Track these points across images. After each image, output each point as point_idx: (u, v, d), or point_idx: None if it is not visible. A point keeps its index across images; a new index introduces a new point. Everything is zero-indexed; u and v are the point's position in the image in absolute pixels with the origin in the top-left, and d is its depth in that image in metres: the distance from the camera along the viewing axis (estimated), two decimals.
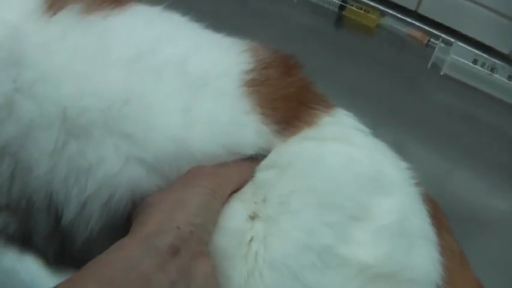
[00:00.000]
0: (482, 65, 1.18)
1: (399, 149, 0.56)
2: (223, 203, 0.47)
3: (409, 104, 1.16)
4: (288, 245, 0.46)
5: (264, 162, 0.51)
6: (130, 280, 0.38)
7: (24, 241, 0.54)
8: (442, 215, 0.56)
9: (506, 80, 1.18)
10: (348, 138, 0.53)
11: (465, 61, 1.19)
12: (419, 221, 0.51)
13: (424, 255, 0.49)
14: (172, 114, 0.49)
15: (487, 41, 1.23)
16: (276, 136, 0.51)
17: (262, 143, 0.51)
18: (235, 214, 0.47)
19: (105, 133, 0.48)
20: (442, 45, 1.22)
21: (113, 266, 0.39)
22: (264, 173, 0.50)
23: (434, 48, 1.22)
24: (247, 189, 0.50)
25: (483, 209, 1.00)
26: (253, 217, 0.47)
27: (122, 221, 0.48)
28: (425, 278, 0.48)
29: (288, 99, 0.53)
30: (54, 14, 0.51)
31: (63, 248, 0.52)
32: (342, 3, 1.30)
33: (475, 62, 1.19)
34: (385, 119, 1.07)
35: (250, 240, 0.46)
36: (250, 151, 0.51)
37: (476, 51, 1.20)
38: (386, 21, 1.29)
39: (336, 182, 0.49)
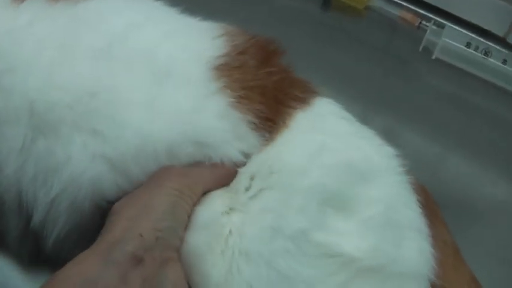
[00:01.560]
0: (476, 49, 1.17)
1: (390, 134, 0.55)
2: (194, 204, 0.46)
3: (399, 89, 1.15)
4: (259, 230, 0.44)
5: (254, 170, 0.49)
6: None
7: None
8: (434, 204, 0.55)
9: (500, 64, 1.16)
10: (323, 126, 0.51)
11: (458, 44, 1.18)
12: (408, 211, 0.49)
13: (413, 248, 0.47)
14: (137, 107, 0.47)
15: (481, 23, 1.22)
16: (248, 126, 0.49)
17: (227, 127, 0.48)
18: (210, 209, 0.46)
19: (73, 130, 0.46)
20: (434, 27, 1.20)
21: (71, 283, 0.38)
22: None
23: (426, 31, 1.20)
24: (221, 188, 0.48)
25: (476, 196, 1.01)
26: (229, 211, 0.46)
27: (89, 221, 0.47)
28: (415, 271, 0.47)
29: (264, 93, 0.51)
30: (22, 2, 0.50)
31: (37, 249, 0.51)
32: None
33: (468, 45, 1.17)
34: (375, 105, 1.07)
35: (228, 234, 0.45)
36: (215, 138, 0.49)
37: (470, 34, 1.18)
38: (376, 3, 1.27)
39: (305, 170, 0.47)
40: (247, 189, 0.46)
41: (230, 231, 0.45)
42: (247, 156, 0.49)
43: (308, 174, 0.47)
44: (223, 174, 0.48)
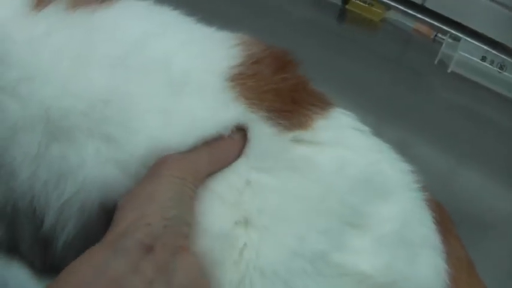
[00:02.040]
0: (491, 63, 1.16)
1: (404, 147, 0.55)
2: (198, 189, 0.45)
3: (414, 101, 1.15)
4: (279, 252, 0.44)
5: (255, 163, 0.48)
6: (101, 286, 0.36)
7: (11, 249, 0.52)
8: (449, 220, 0.54)
9: None
10: (344, 140, 0.51)
11: (473, 58, 1.17)
12: (423, 228, 0.49)
13: (427, 265, 0.47)
14: (151, 114, 0.47)
15: (497, 37, 1.21)
16: (263, 127, 0.48)
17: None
18: (222, 217, 0.45)
19: (87, 136, 0.47)
20: (450, 40, 1.20)
21: (81, 274, 0.37)
22: (261, 176, 0.47)
23: (441, 43, 1.20)
24: (233, 187, 0.47)
25: (486, 209, 1.00)
26: (245, 223, 0.45)
27: (97, 226, 0.46)
28: None
29: (279, 94, 0.50)
30: (40, 10, 0.50)
31: (47, 254, 0.51)
32: None
33: (483, 59, 1.16)
34: (390, 117, 1.06)
35: (243, 247, 0.44)
36: None
37: (485, 47, 1.17)
38: (392, 15, 1.27)
39: (329, 188, 0.47)
40: (272, 212, 0.46)
41: (245, 244, 0.44)
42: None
43: (332, 193, 0.47)
44: (222, 156, 0.48)
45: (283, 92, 0.50)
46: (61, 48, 0.48)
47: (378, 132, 0.54)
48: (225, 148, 0.48)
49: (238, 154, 0.47)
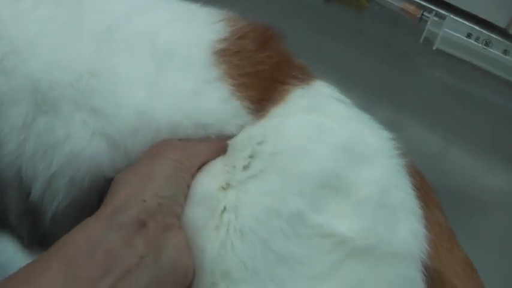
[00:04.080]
0: (477, 39, 1.16)
1: (391, 126, 0.55)
2: (193, 175, 0.47)
3: (401, 80, 1.15)
4: (256, 211, 0.45)
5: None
6: (96, 258, 0.38)
7: (1, 221, 0.53)
8: (429, 187, 0.55)
9: (501, 54, 1.15)
10: (322, 108, 0.52)
11: (459, 35, 1.17)
12: (402, 193, 0.49)
13: (406, 229, 0.48)
14: (137, 87, 0.48)
15: (483, 15, 1.21)
16: (245, 110, 0.50)
17: (227, 112, 0.50)
18: (207, 183, 0.47)
19: (73, 108, 0.47)
20: (436, 19, 1.19)
21: (77, 245, 0.39)
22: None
23: (427, 22, 1.19)
24: (219, 161, 0.49)
25: (477, 187, 1.00)
26: (225, 187, 0.46)
27: (88, 199, 0.48)
28: (408, 252, 0.47)
29: (262, 77, 0.51)
30: None
31: (36, 227, 0.52)
32: None
33: (469, 36, 1.16)
34: (377, 96, 1.07)
35: (223, 211, 0.45)
36: (213, 121, 0.50)
37: (471, 25, 1.17)
38: None
39: (304, 152, 0.48)
40: (245, 167, 0.47)
41: (225, 208, 0.45)
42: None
43: (308, 156, 0.47)
44: (219, 149, 0.49)
45: (265, 73, 0.52)
46: (47, 22, 0.49)
47: (366, 112, 0.55)
48: (223, 144, 0.49)
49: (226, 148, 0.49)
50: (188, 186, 0.46)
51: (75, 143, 0.47)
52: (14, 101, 0.47)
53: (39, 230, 0.51)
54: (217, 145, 0.49)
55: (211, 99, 0.50)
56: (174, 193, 0.44)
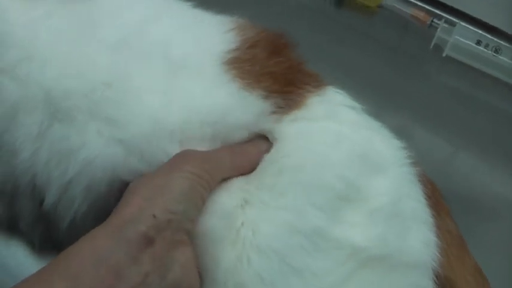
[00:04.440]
0: (486, 46, 1.16)
1: (400, 132, 0.55)
2: (212, 190, 0.46)
3: (410, 86, 1.15)
4: (275, 228, 0.44)
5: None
6: (100, 274, 0.37)
7: (11, 227, 0.53)
8: (440, 196, 0.55)
9: (510, 62, 1.16)
10: (337, 116, 0.52)
11: (468, 42, 1.16)
12: (414, 202, 0.50)
13: (418, 238, 0.48)
14: (151, 95, 0.48)
15: (492, 22, 1.21)
16: (262, 111, 0.50)
17: (239, 104, 0.49)
18: (226, 198, 0.46)
19: (88, 118, 0.47)
20: (445, 25, 1.19)
21: (81, 259, 0.38)
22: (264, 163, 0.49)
23: (437, 29, 1.20)
24: (240, 179, 0.48)
25: (486, 194, 1.00)
26: (244, 204, 0.46)
27: (105, 203, 0.47)
28: (420, 261, 0.47)
29: (275, 77, 0.51)
30: None
31: (49, 234, 0.51)
32: None
33: (478, 43, 1.16)
34: (386, 102, 1.06)
35: (240, 226, 0.45)
36: (232, 125, 0.49)
37: (480, 32, 1.17)
38: (388, 1, 1.26)
39: (325, 161, 0.48)
40: (271, 188, 0.46)
41: (242, 224, 0.45)
42: (262, 126, 0.50)
43: (327, 166, 0.47)
44: (244, 163, 0.48)
45: (278, 75, 0.51)
46: (61, 30, 0.49)
47: (374, 117, 0.55)
48: (247, 155, 0.48)
49: (258, 163, 0.48)
50: (204, 201, 0.45)
51: (90, 150, 0.47)
52: (28, 109, 0.47)
53: (53, 237, 0.51)
54: (242, 160, 0.48)
55: (222, 95, 0.49)
56: (186, 209, 0.43)
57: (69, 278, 0.37)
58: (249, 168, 0.48)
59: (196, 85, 0.49)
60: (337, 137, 0.49)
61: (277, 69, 0.52)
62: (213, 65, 0.50)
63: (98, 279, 0.37)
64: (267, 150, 0.49)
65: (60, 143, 0.47)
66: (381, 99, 1.06)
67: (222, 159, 0.47)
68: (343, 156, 0.48)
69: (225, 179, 0.47)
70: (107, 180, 0.47)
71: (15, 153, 0.47)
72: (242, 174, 0.48)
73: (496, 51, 1.15)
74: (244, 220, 0.45)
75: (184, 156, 0.46)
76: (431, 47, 1.20)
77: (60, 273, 0.37)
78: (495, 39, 1.16)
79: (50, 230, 0.51)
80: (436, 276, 0.48)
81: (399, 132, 0.55)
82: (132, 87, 0.48)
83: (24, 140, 0.47)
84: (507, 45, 1.16)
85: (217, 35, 0.53)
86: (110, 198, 0.47)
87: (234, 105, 0.49)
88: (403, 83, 1.14)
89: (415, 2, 1.25)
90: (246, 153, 0.49)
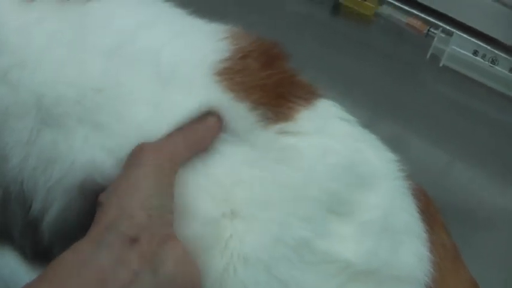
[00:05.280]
0: (483, 57, 1.15)
1: (396, 141, 0.55)
2: (176, 174, 0.45)
3: (406, 96, 1.15)
4: (262, 240, 0.44)
5: (242, 157, 0.48)
6: (86, 279, 0.37)
7: (4, 235, 0.53)
8: (434, 209, 0.55)
9: (507, 72, 1.15)
10: (327, 129, 0.51)
11: (465, 52, 1.16)
12: (406, 216, 0.50)
13: (411, 252, 0.48)
14: (141, 105, 0.48)
15: (489, 32, 1.21)
16: (249, 122, 0.49)
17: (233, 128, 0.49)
18: (210, 207, 0.46)
19: (77, 123, 0.47)
20: (442, 35, 1.19)
21: (66, 267, 0.38)
22: (250, 170, 0.48)
23: (433, 38, 1.19)
24: (223, 181, 0.47)
25: (481, 204, 1.00)
26: (232, 215, 0.46)
27: (82, 213, 0.47)
28: (411, 276, 0.47)
29: (265, 90, 0.51)
30: (33, 0, 0.51)
31: (37, 241, 0.51)
32: None
33: (475, 53, 1.16)
34: (382, 111, 1.06)
35: (229, 238, 0.45)
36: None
37: (477, 42, 1.17)
38: (385, 10, 1.26)
39: (310, 175, 0.47)
40: (258, 202, 0.46)
41: (231, 236, 0.45)
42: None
43: (314, 180, 0.47)
44: (197, 139, 0.48)
45: (268, 87, 0.51)
46: (53, 36, 0.49)
47: (371, 126, 0.55)
48: (199, 132, 0.47)
49: (214, 137, 0.47)
50: (173, 188, 0.44)
51: (76, 156, 0.46)
52: (18, 115, 0.47)
53: (39, 242, 0.51)
54: (195, 137, 0.48)
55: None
56: (161, 201, 0.42)
57: (56, 286, 0.37)
58: (202, 146, 0.47)
59: (185, 99, 0.49)
60: (323, 151, 0.49)
61: (269, 82, 0.51)
62: (204, 76, 0.50)
63: (85, 284, 0.37)
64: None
65: (48, 149, 0.47)
66: (376, 108, 1.06)
67: (176, 143, 0.47)
68: (329, 170, 0.48)
69: (187, 160, 0.47)
70: (80, 184, 0.47)
71: (6, 158, 0.47)
72: (199, 151, 0.47)
73: (493, 61, 1.14)
74: (233, 232, 0.45)
75: (141, 151, 0.45)
76: (428, 56, 1.20)
77: (48, 282, 0.37)
78: (492, 49, 1.16)
79: (38, 237, 0.50)
80: None
81: (395, 141, 0.55)
82: (123, 95, 0.48)
83: (14, 146, 0.47)
84: (504, 55, 1.16)
85: (210, 43, 0.52)
86: (86, 207, 0.47)
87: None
88: (399, 92, 1.14)
89: (412, 11, 1.25)
90: (196, 131, 0.48)
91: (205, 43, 0.52)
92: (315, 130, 0.50)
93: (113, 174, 0.46)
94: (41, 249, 0.51)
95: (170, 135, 0.47)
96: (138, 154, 0.45)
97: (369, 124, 0.55)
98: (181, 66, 0.50)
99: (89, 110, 0.47)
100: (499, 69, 1.15)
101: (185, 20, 0.56)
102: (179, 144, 0.47)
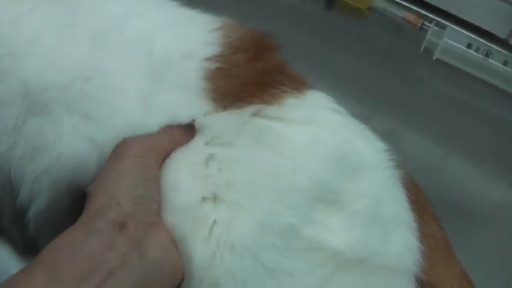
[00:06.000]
0: (477, 50, 1.15)
1: (391, 135, 0.54)
2: (160, 166, 0.47)
3: (400, 89, 1.14)
4: (248, 226, 0.44)
5: (213, 138, 0.49)
6: (77, 262, 0.38)
7: None
8: (425, 200, 0.55)
9: (501, 65, 1.15)
10: (316, 119, 0.51)
11: (459, 45, 1.16)
12: (396, 206, 0.50)
13: (400, 242, 0.48)
14: (132, 97, 0.49)
15: (483, 25, 1.20)
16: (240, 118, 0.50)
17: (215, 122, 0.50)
18: (191, 192, 0.46)
19: (65, 112, 0.48)
20: (436, 28, 1.19)
21: (58, 251, 0.39)
22: (222, 149, 0.48)
23: (428, 32, 1.19)
24: (198, 160, 0.48)
25: (479, 200, 0.99)
26: (214, 199, 0.46)
27: (68, 205, 0.48)
28: (400, 265, 0.47)
29: (248, 84, 0.51)
30: None
31: (25, 232, 0.52)
32: None
33: (469, 46, 1.15)
34: (376, 104, 1.06)
35: (213, 224, 0.45)
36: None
37: (471, 35, 1.16)
38: (379, 4, 1.26)
39: (298, 164, 0.47)
40: (243, 188, 0.46)
41: (215, 221, 0.45)
42: None
43: (301, 169, 0.47)
44: (179, 134, 0.49)
45: (256, 80, 0.51)
46: (43, 26, 0.49)
47: (364, 120, 0.55)
48: (181, 127, 0.49)
49: (195, 132, 0.48)
50: (158, 179, 0.46)
51: (64, 147, 0.47)
52: (5, 103, 0.48)
53: (27, 233, 0.51)
54: (177, 133, 0.49)
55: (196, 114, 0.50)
56: (145, 191, 0.44)
57: (49, 270, 0.38)
58: (184, 139, 0.49)
59: (178, 101, 0.49)
60: (312, 141, 0.49)
61: (256, 74, 0.52)
62: (195, 78, 0.50)
63: (76, 266, 0.38)
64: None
65: (35, 137, 0.47)
66: (370, 101, 1.05)
67: (159, 136, 0.48)
68: (318, 159, 0.48)
69: (169, 153, 0.48)
70: (69, 178, 0.47)
71: None
72: (180, 145, 0.48)
73: (487, 54, 1.14)
74: (216, 218, 0.45)
75: (125, 144, 0.46)
76: (421, 50, 1.19)
77: (40, 265, 0.38)
78: (486, 42, 1.15)
79: (26, 228, 0.51)
80: (419, 282, 0.48)
81: (389, 135, 0.54)
82: (112, 85, 0.48)
83: (1, 133, 0.48)
84: (498, 49, 1.15)
85: (202, 34, 0.52)
86: (72, 199, 0.48)
87: (214, 119, 0.49)
88: (393, 86, 1.14)
89: (406, 4, 1.25)
90: (179, 126, 0.49)
91: (197, 34, 0.52)
92: (305, 119, 0.50)
93: (97, 168, 0.47)
94: (29, 240, 0.52)
95: (154, 133, 0.48)
96: (122, 146, 0.46)
97: (362, 118, 0.55)
98: (174, 57, 0.50)
99: (76, 98, 0.47)
100: (493, 62, 1.15)
101: (178, 10, 0.56)
102: (162, 137, 0.48)
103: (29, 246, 0.53)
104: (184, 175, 0.46)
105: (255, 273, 0.43)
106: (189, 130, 0.49)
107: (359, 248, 0.45)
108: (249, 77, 0.51)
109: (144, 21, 0.53)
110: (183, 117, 0.49)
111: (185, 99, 0.49)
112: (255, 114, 0.50)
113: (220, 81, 0.50)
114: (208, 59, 0.51)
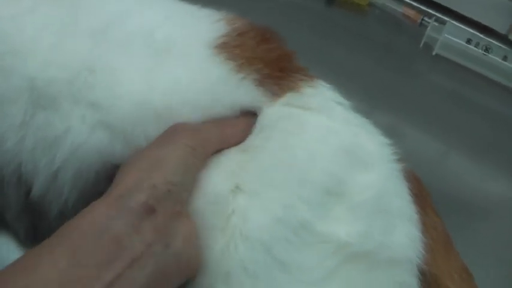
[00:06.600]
0: (476, 45, 1.15)
1: (390, 130, 0.55)
2: (205, 162, 0.46)
3: (400, 85, 1.15)
4: (264, 219, 0.44)
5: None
6: (101, 244, 0.37)
7: None
8: (426, 193, 0.55)
9: (501, 61, 1.15)
10: (328, 110, 0.51)
11: (458, 40, 1.16)
12: (399, 199, 0.50)
13: (403, 234, 0.48)
14: (135, 80, 0.48)
15: (483, 21, 1.21)
16: (255, 91, 0.50)
17: (228, 89, 0.50)
18: (219, 182, 0.46)
19: (71, 104, 0.48)
20: (436, 24, 1.19)
21: (82, 230, 0.38)
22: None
23: (427, 27, 1.19)
24: (234, 156, 0.48)
25: (476, 193, 0.99)
26: (235, 190, 0.46)
27: (94, 192, 0.46)
28: (404, 257, 0.47)
29: (266, 63, 0.51)
30: None
31: (35, 225, 0.52)
32: None
33: (468, 41, 1.16)
34: (376, 100, 1.06)
35: (231, 214, 0.45)
36: (217, 100, 0.50)
37: (471, 30, 1.17)
38: (379, 0, 1.26)
39: (314, 155, 0.48)
40: (262, 178, 0.46)
41: (233, 211, 0.44)
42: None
43: (318, 161, 0.47)
44: (231, 134, 0.48)
45: (269, 60, 0.51)
46: (46, 23, 0.50)
47: (364, 116, 0.55)
48: (234, 128, 0.48)
49: (246, 135, 0.48)
50: (199, 172, 0.45)
51: (75, 136, 0.47)
52: (11, 100, 0.48)
53: (40, 227, 0.51)
54: (231, 132, 0.48)
55: (210, 79, 0.49)
56: (184, 180, 0.43)
57: (72, 250, 0.36)
58: (235, 141, 0.48)
59: (182, 70, 0.49)
60: (327, 132, 0.49)
61: (269, 56, 0.52)
62: (201, 48, 0.50)
63: (101, 249, 0.36)
64: (251, 122, 0.49)
65: (44, 129, 0.47)
66: (370, 97, 1.05)
67: (211, 132, 0.47)
68: (332, 151, 0.48)
69: (217, 151, 0.47)
70: (95, 166, 0.47)
71: (0, 142, 0.48)
72: (229, 146, 0.48)
73: (487, 50, 1.14)
74: (235, 207, 0.45)
75: (177, 129, 0.46)
76: (421, 45, 1.20)
77: (61, 244, 0.37)
78: (485, 38, 1.16)
79: (37, 221, 0.51)
80: (421, 273, 0.48)
81: (389, 130, 0.55)
82: (115, 71, 0.49)
83: (7, 130, 0.47)
84: (497, 44, 1.16)
85: (205, 24, 0.53)
86: (99, 184, 0.47)
87: (224, 91, 0.49)
88: (393, 81, 1.14)
89: (406, 0, 1.25)
90: (234, 125, 0.49)
91: (201, 24, 0.53)
92: (319, 108, 0.51)
93: (121, 154, 0.47)
94: (38, 232, 0.52)
95: (206, 124, 0.48)
96: (174, 131, 0.46)
97: (363, 113, 0.55)
98: (176, 40, 0.50)
99: (82, 90, 0.47)
100: (493, 57, 1.15)
101: (178, 5, 0.56)
102: (214, 135, 0.47)
103: (38, 236, 0.53)
104: (219, 168, 0.46)
105: (266, 266, 0.43)
106: (242, 131, 0.49)
107: (363, 240, 0.45)
108: (264, 54, 0.51)
109: (146, 15, 0.53)
110: (189, 79, 0.49)
111: (192, 64, 0.49)
112: (285, 105, 0.50)
113: (235, 50, 0.50)
114: (216, 38, 0.51)
